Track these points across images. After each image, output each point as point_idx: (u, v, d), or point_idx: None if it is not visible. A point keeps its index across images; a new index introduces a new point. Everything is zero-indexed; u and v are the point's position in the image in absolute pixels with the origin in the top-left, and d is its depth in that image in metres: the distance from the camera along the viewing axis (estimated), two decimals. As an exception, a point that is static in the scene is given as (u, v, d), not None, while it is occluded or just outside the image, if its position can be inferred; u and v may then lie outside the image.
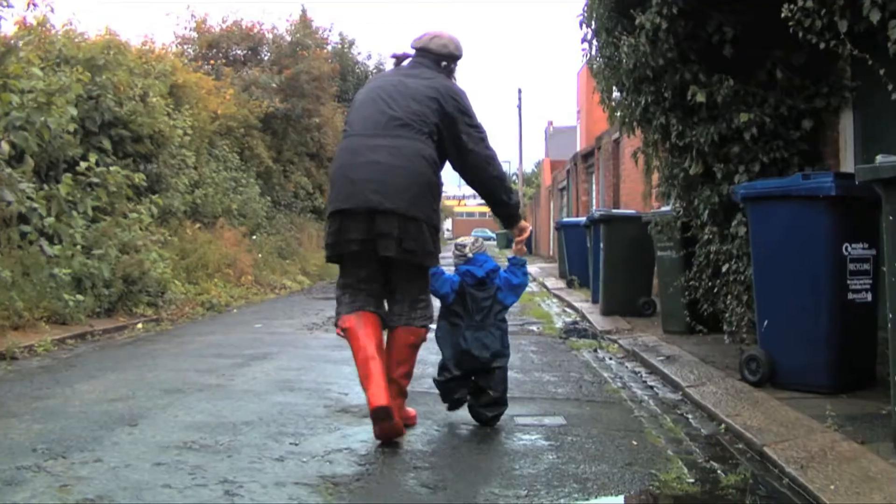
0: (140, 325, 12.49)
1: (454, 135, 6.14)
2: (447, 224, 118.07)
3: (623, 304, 13.67)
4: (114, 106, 14.97)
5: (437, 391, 6.56)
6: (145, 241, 14.04)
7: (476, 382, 6.38)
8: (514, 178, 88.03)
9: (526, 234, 6.91)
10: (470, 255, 6.55)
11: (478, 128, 6.26)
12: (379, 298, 6.19)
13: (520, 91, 70.75)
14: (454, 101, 6.16)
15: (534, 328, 13.10)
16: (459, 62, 6.61)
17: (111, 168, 13.79)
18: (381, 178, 5.82)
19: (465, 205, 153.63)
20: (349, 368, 8.78)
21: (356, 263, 6.10)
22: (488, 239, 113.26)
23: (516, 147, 70.95)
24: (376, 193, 5.78)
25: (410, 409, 6.45)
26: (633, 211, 15.48)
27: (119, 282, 12.97)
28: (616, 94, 10.62)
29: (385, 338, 6.13)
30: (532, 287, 23.20)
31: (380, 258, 5.94)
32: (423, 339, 6.24)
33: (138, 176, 14.45)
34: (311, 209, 31.47)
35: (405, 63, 6.55)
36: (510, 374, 6.79)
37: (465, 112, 6.20)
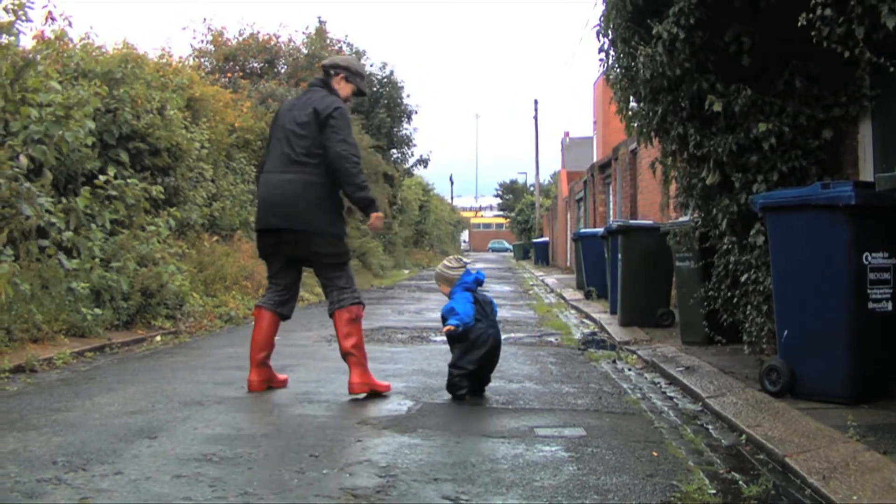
0: (158, 338, 12.50)
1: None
2: (464, 236, 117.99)
3: (641, 314, 13.65)
4: (131, 119, 14.97)
5: (453, 403, 7.24)
6: (163, 253, 14.05)
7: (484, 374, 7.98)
8: (531, 189, 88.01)
9: (376, 224, 8.30)
10: (461, 270, 8.09)
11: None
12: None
13: (536, 102, 71.07)
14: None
15: (552, 339, 13.07)
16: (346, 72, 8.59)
17: (129, 181, 13.79)
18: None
19: (481, 216, 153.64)
20: (368, 380, 8.82)
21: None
22: (505, 250, 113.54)
23: (533, 158, 70.78)
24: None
25: (383, 382, 8.23)
26: (650, 221, 15.48)
27: (137, 294, 12.99)
28: (633, 104, 10.61)
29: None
30: (550, 298, 23.21)
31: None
32: (359, 315, 8.17)
33: (156, 189, 14.46)
34: None
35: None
36: (529, 385, 7.83)
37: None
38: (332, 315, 8.19)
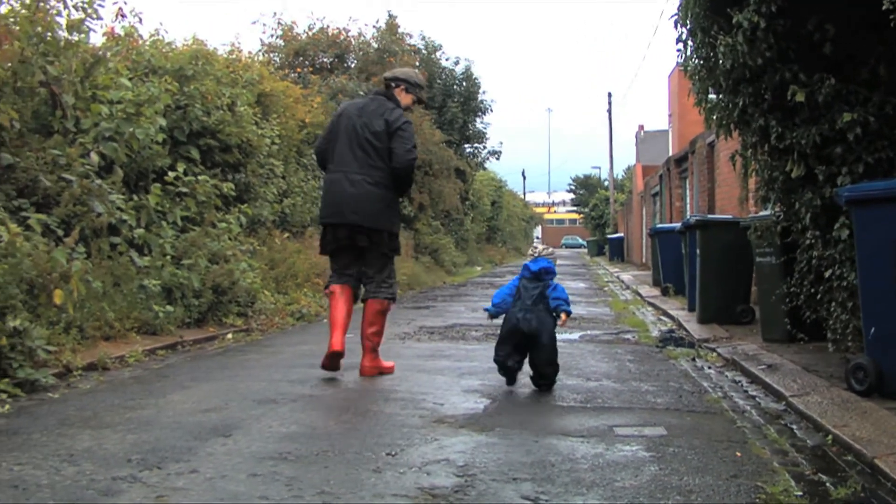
0: (230, 336, 12.57)
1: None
2: (537, 231, 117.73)
3: (720, 312, 13.54)
4: (202, 115, 15.05)
5: (531, 401, 7.32)
6: (234, 250, 14.11)
7: (530, 358, 8.35)
8: (605, 183, 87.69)
9: None
10: (534, 254, 8.77)
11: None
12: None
13: (609, 95, 70.48)
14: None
15: (629, 337, 13.01)
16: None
17: (199, 178, 13.89)
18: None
19: (554, 211, 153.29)
20: (444, 378, 8.89)
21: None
22: (579, 246, 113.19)
23: (606, 152, 70.45)
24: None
25: (388, 362, 9.36)
26: (729, 216, 15.32)
27: (208, 292, 13.06)
28: (712, 95, 10.50)
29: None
30: (626, 295, 23.11)
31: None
32: (388, 309, 9.26)
33: (227, 185, 14.56)
34: (400, 217, 31.06)
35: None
36: (607, 383, 8.10)
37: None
38: (364, 300, 9.25)
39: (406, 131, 9.14)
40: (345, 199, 9.03)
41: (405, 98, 9.55)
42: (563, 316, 8.45)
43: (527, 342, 8.28)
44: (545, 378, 8.32)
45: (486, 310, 8.74)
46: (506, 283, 8.83)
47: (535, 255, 8.73)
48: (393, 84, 9.55)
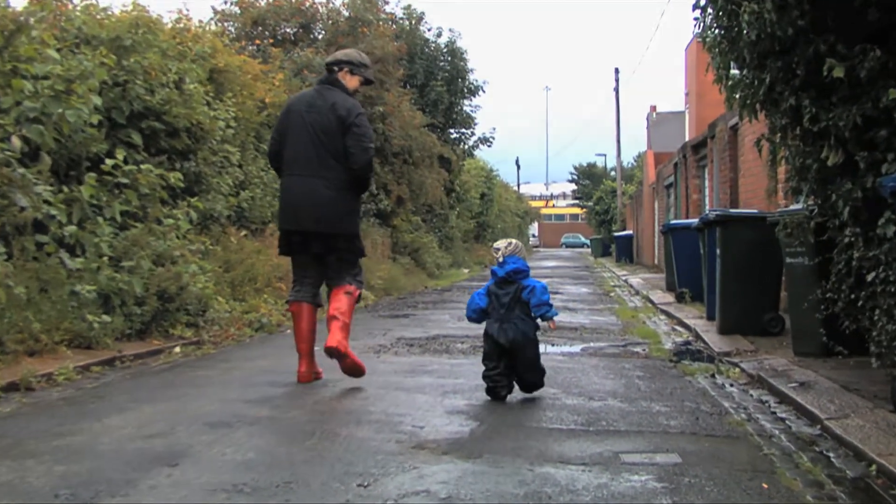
0: (178, 349, 12.51)
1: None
2: (533, 228, 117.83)
3: (744, 320, 13.54)
4: (144, 94, 14.96)
5: (524, 424, 7.37)
6: (183, 251, 14.06)
7: (513, 367, 8.81)
8: (611, 173, 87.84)
9: None
10: (501, 258, 9.11)
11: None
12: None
13: (617, 71, 70.32)
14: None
15: (639, 350, 13.01)
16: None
17: (142, 166, 13.78)
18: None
19: (553, 206, 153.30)
20: (425, 397, 8.90)
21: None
22: (581, 245, 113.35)
23: (613, 137, 70.41)
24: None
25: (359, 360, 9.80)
26: (755, 210, 15.34)
27: (153, 299, 12.99)
28: (735, 71, 10.49)
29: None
30: (635, 301, 23.14)
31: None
32: (355, 294, 9.85)
33: (174, 175, 14.46)
34: (375, 212, 30.94)
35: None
36: (613, 402, 8.21)
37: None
38: (330, 291, 9.89)
39: (361, 126, 9.74)
40: (300, 204, 9.70)
41: (351, 81, 10.13)
42: (551, 324, 9.12)
43: (508, 352, 8.78)
44: (528, 385, 8.97)
45: (468, 317, 9.30)
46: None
47: (499, 257, 9.17)
48: (336, 68, 10.14)
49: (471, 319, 9.27)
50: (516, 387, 8.91)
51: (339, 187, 9.66)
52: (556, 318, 9.06)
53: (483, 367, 8.93)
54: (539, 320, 9.02)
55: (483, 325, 9.02)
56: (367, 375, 9.70)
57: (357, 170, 9.67)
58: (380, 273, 25.44)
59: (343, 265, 9.88)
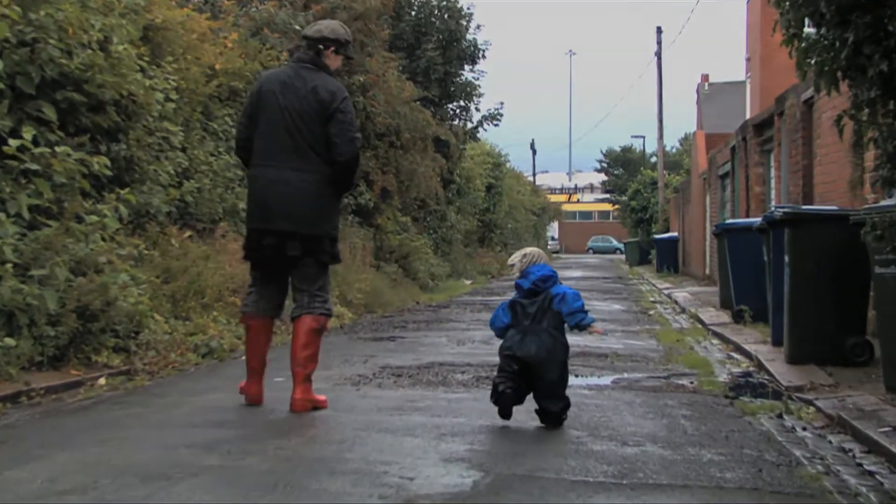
0: (103, 381, 12.45)
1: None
2: (552, 230, 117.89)
3: (821, 346, 13.52)
4: (59, 56, 14.80)
5: (539, 475, 7.47)
6: (111, 256, 13.99)
7: (529, 386, 9.31)
8: (651, 159, 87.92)
9: None
10: (518, 273, 9.68)
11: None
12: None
13: (659, 31, 70.25)
14: None
15: (685, 382, 13.01)
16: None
17: (58, 149, 13.67)
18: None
19: (577, 200, 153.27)
20: (415, 441, 8.91)
21: None
22: (613, 251, 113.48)
23: (653, 115, 70.40)
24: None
25: (320, 396, 10.45)
26: (834, 207, 15.33)
27: (71, 317, 12.88)
28: (809, 29, 10.48)
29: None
30: (680, 322, 23.17)
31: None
32: (322, 326, 10.48)
33: (99, 161, 14.40)
34: (354, 208, 30.55)
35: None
36: (652, 448, 8.22)
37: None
38: (294, 319, 10.45)
39: (347, 112, 10.32)
40: (273, 200, 10.19)
41: (335, 61, 10.83)
42: (594, 327, 9.55)
43: (526, 370, 9.28)
44: (547, 416, 9.38)
45: (497, 336, 9.87)
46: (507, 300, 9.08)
47: (515, 273, 9.76)
48: (321, 47, 10.69)
49: (496, 329, 9.82)
50: (531, 413, 9.19)
51: (318, 181, 10.13)
52: (583, 342, 9.11)
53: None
54: (576, 330, 9.45)
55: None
56: (344, 413, 9.71)
57: (342, 163, 10.16)
58: (359, 285, 25.36)
59: (314, 273, 10.35)
